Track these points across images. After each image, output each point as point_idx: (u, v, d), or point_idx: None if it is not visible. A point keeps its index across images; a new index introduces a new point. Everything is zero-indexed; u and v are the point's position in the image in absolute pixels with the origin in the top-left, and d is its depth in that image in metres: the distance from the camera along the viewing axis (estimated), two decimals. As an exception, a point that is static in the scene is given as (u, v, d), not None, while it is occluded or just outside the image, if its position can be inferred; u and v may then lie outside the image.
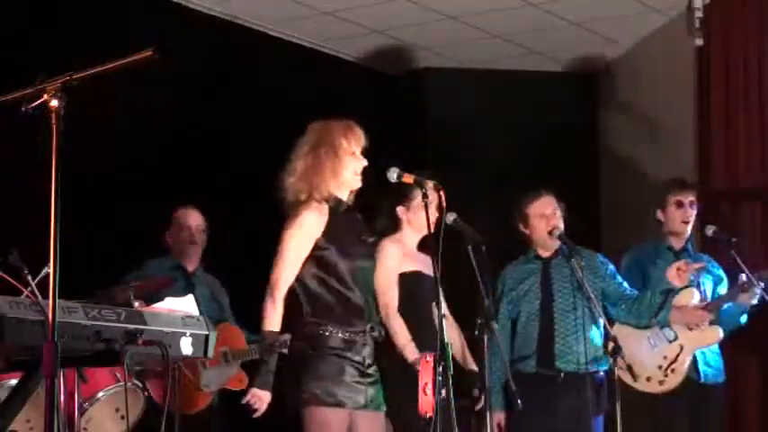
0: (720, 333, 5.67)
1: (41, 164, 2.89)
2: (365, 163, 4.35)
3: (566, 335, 5.39)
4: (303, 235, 4.25)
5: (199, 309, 5.58)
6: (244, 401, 4.25)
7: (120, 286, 4.93)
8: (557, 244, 5.45)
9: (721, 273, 5.86)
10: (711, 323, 5.68)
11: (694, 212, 5.79)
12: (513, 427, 5.38)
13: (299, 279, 4.26)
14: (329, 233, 4.26)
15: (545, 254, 5.52)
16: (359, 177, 4.34)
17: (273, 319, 4.23)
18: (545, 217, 5.44)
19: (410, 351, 4.85)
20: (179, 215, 5.87)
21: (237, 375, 5.67)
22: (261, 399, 4.22)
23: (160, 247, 5.84)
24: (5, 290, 3.26)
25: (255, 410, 4.24)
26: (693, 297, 5.69)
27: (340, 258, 4.25)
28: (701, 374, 5.62)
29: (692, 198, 5.79)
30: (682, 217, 5.76)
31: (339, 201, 4.33)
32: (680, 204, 5.77)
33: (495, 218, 5.72)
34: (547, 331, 5.41)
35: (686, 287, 5.63)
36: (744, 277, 5.57)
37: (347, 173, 4.31)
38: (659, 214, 5.83)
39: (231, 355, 5.54)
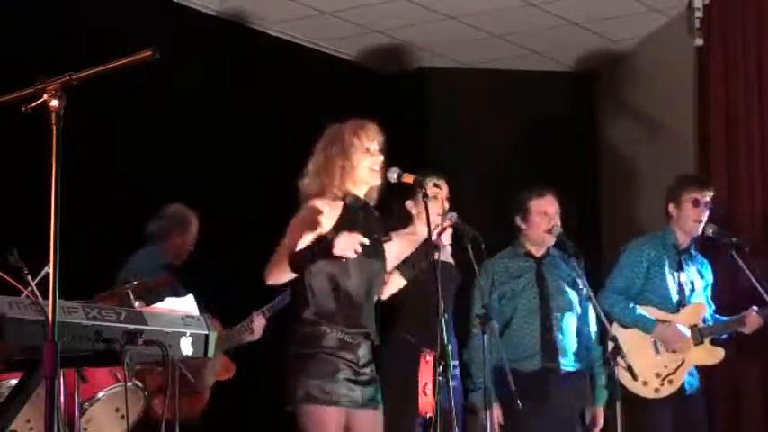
0: (722, 355, 5.69)
1: (41, 164, 2.90)
2: (381, 158, 4.33)
3: (564, 333, 5.42)
4: (309, 216, 4.19)
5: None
6: None
7: (117, 289, 4.90)
8: (550, 243, 5.47)
9: (710, 277, 5.87)
10: (713, 342, 5.70)
11: (708, 212, 5.74)
12: (515, 426, 5.37)
13: (310, 277, 4.25)
14: (341, 229, 4.24)
15: (537, 252, 5.52)
16: (376, 174, 4.31)
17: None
18: (547, 215, 5.45)
19: None
20: (192, 218, 5.86)
21: (224, 364, 5.68)
22: None
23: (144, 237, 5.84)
24: (5, 290, 3.26)
25: None
26: (702, 314, 5.70)
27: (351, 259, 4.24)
28: (687, 385, 5.64)
29: (708, 198, 5.74)
30: (695, 216, 5.70)
31: (356, 198, 4.33)
32: (696, 203, 5.70)
33: (494, 217, 5.72)
34: (547, 330, 5.42)
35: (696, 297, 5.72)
36: (753, 310, 5.59)
37: (361, 170, 4.29)
38: (671, 208, 5.79)
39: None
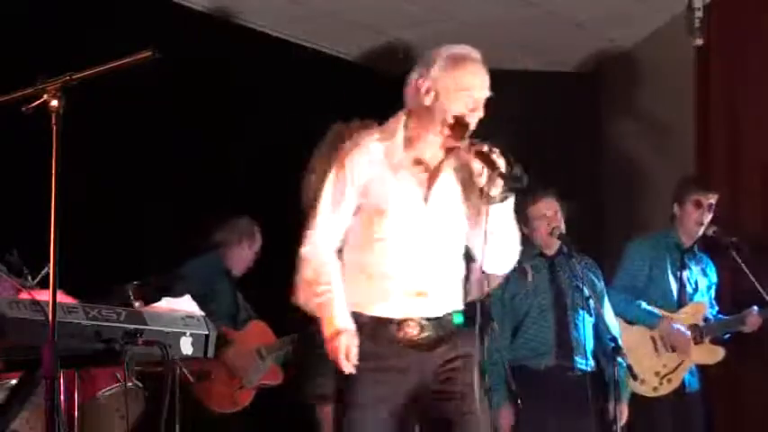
0: (722, 354, 5.69)
1: (41, 164, 2.90)
2: None
3: (580, 331, 5.40)
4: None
5: (238, 309, 5.74)
6: None
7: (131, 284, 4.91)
8: (558, 243, 5.47)
9: (714, 277, 5.87)
10: (714, 342, 5.70)
11: (710, 215, 5.74)
12: (525, 425, 5.35)
13: None
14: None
15: (549, 252, 5.53)
16: None
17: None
18: (546, 218, 5.47)
19: None
20: (258, 233, 5.96)
21: (272, 369, 5.72)
22: None
23: (206, 246, 5.95)
24: (5, 290, 3.26)
25: None
26: (703, 313, 5.70)
27: None
28: (687, 383, 5.64)
29: (711, 201, 5.74)
30: (697, 218, 5.71)
31: None
32: (698, 205, 5.72)
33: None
34: (562, 327, 5.40)
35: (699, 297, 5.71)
36: (754, 310, 5.59)
37: None
38: (675, 208, 5.80)
39: (266, 351, 5.62)
